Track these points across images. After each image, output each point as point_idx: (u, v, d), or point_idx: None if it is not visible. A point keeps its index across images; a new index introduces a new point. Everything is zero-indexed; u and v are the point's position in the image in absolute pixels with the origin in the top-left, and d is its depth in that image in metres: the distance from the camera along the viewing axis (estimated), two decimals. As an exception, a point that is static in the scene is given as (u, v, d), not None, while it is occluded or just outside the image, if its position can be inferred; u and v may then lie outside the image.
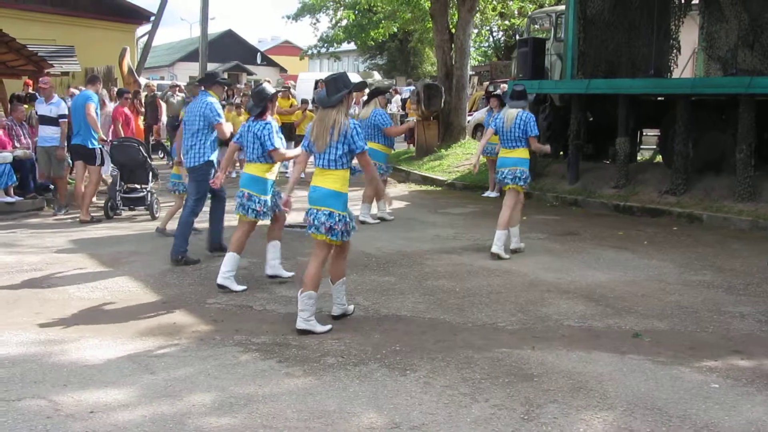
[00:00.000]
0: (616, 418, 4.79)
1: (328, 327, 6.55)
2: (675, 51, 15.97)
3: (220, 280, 7.76)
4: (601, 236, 10.97)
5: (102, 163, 12.31)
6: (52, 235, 10.70)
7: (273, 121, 8.01)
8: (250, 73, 60.65)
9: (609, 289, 8.01)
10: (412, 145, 22.03)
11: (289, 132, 17.41)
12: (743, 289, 8.11)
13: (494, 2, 29.65)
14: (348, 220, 6.51)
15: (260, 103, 7.93)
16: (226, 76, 9.57)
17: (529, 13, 24.97)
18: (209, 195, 9.54)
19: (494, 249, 9.50)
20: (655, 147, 17.41)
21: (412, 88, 25.54)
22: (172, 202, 11.26)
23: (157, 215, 12.38)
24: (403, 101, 26.02)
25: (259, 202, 7.89)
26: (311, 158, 6.76)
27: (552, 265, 9.14)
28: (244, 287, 7.84)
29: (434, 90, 19.53)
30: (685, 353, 6.06)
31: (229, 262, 7.84)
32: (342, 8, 40.32)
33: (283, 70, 64.44)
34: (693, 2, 16.32)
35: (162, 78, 48.96)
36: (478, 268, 8.91)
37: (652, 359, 5.90)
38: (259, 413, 4.80)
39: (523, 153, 9.66)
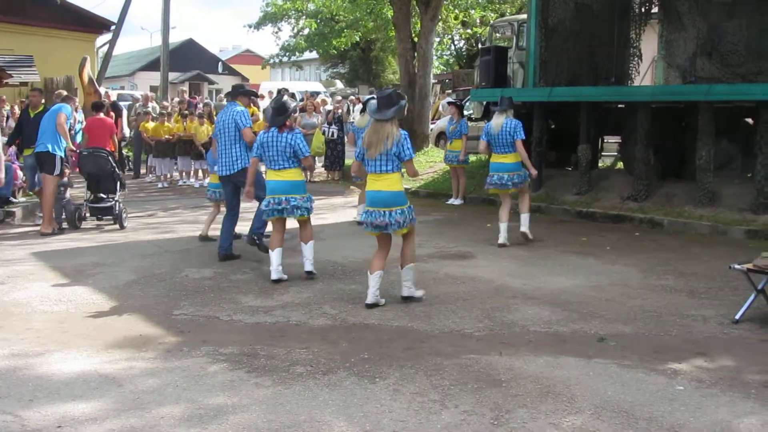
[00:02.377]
0: (584, 422, 4.84)
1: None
2: (635, 59, 16.16)
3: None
4: (565, 242, 11.07)
5: (60, 173, 12.11)
6: (13, 248, 10.58)
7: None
8: (211, 83, 60.37)
9: (574, 295, 8.09)
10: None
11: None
12: (705, 292, 8.22)
13: (456, 11, 29.84)
14: (412, 208, 7.65)
15: (283, 114, 8.52)
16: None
17: (491, 21, 25.20)
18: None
19: (501, 240, 10.66)
20: (616, 154, 17.61)
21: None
22: (139, 212, 11.20)
23: (125, 225, 12.33)
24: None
25: (308, 200, 8.63)
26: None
27: (517, 271, 9.20)
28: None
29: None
30: (649, 356, 6.13)
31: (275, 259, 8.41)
32: (304, 17, 40.25)
33: (244, 79, 63.90)
34: (653, 11, 16.53)
35: (122, 87, 48.63)
36: (444, 275, 8.95)
37: (618, 363, 5.96)
38: (229, 424, 4.78)
39: (517, 157, 10.63)
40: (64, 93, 13.12)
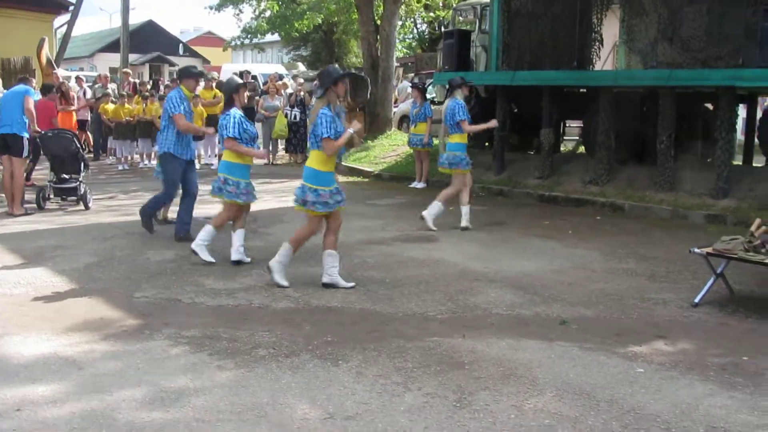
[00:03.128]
0: (545, 404, 4.88)
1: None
2: (597, 44, 16.20)
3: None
4: (527, 226, 11.12)
5: (29, 155, 12.09)
6: (-30, 230, 10.40)
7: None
8: (172, 65, 59.65)
9: (536, 278, 8.13)
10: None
11: (214, 124, 17.23)
12: (665, 276, 8.31)
13: (419, -6, 29.77)
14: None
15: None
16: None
17: (454, 5, 25.12)
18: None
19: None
20: (578, 138, 17.71)
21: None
22: (100, 194, 11.04)
23: (90, 206, 12.35)
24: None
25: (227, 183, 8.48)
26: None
27: (480, 254, 9.23)
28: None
29: (360, 81, 19.49)
30: (611, 339, 6.19)
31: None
32: (265, -1, 39.92)
33: (206, 61, 63.49)
34: (614, -4, 16.59)
35: (81, 69, 47.95)
36: (407, 258, 8.95)
37: (580, 346, 6.01)
38: (191, 407, 4.75)
39: (455, 138, 10.64)
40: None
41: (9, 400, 4.80)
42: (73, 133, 12.83)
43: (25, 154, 11.87)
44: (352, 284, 7.64)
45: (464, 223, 10.68)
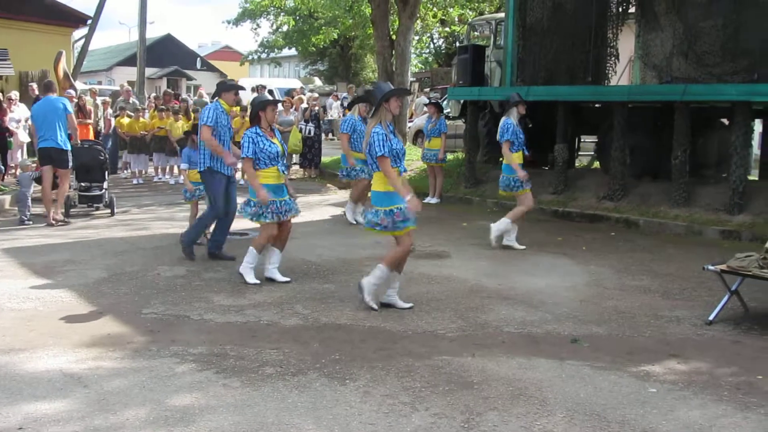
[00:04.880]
0: (555, 425, 4.80)
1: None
2: (612, 59, 16.17)
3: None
4: (540, 242, 11.03)
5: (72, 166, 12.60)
6: (-17, 244, 10.43)
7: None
8: (189, 78, 60.00)
9: (548, 295, 8.05)
10: (353, 151, 21.97)
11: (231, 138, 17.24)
12: (679, 293, 8.22)
13: (435, 9, 29.79)
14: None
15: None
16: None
17: (469, 20, 25.14)
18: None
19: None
20: (592, 153, 17.63)
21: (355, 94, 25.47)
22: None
23: (115, 212, 13.18)
24: (344, 107, 25.96)
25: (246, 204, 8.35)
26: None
27: (492, 271, 9.16)
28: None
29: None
30: (623, 358, 6.10)
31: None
32: (282, 14, 40.09)
33: (223, 75, 63.66)
34: (630, 11, 16.56)
35: (99, 82, 48.24)
36: (418, 275, 8.88)
37: (591, 365, 5.93)
38: (196, 426, 4.70)
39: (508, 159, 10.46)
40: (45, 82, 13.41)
41: (11, 418, 4.76)
42: (102, 145, 13.90)
43: (71, 165, 12.38)
44: (409, 305, 7.45)
45: (505, 241, 10.51)
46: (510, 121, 10.42)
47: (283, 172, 8.42)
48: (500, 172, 10.76)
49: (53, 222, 11.96)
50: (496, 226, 10.48)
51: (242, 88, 10.22)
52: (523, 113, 10.69)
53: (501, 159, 10.78)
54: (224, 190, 9.46)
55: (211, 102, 9.98)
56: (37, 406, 4.96)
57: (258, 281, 8.27)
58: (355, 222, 12.30)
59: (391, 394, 5.27)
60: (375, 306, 7.33)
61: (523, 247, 10.45)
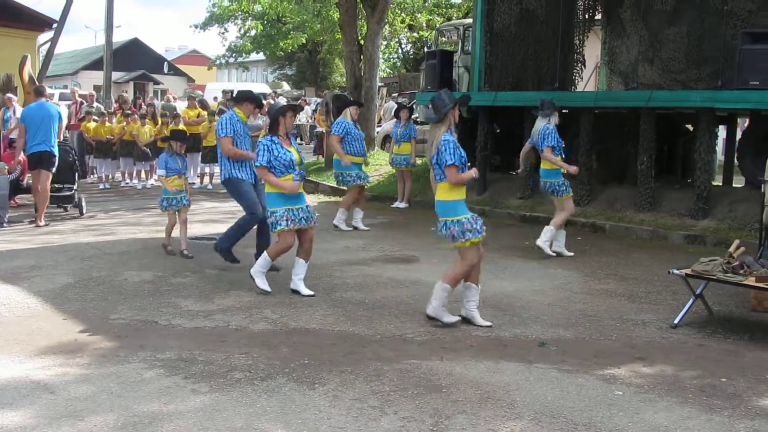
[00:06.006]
0: (523, 428, 4.84)
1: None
2: (579, 65, 16.31)
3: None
4: (508, 246, 11.10)
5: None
6: (-53, 250, 10.30)
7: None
8: (156, 83, 59.62)
9: (516, 299, 8.11)
10: (321, 156, 21.98)
11: (197, 143, 17.19)
12: (645, 297, 8.31)
13: (403, 15, 29.90)
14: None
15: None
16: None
17: (437, 26, 25.25)
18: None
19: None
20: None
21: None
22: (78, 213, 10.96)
23: (85, 212, 13.35)
24: (313, 112, 25.98)
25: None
26: None
27: (460, 275, 9.18)
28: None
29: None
30: (590, 361, 6.16)
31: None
32: (250, 18, 40.01)
33: (190, 79, 63.56)
34: (596, 17, 16.71)
35: (65, 86, 47.85)
36: (387, 279, 8.91)
37: (558, 368, 5.98)
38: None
39: (547, 165, 10.47)
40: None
41: (-22, 425, 4.72)
42: (71, 146, 14.07)
43: (54, 169, 12.54)
44: (488, 323, 7.14)
45: (554, 247, 10.44)
46: (550, 126, 10.38)
47: (299, 180, 8.04)
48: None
49: (40, 224, 12.17)
50: (544, 239, 10.36)
51: (261, 102, 9.96)
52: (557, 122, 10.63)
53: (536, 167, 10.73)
54: (256, 195, 9.14)
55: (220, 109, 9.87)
56: (3, 413, 4.91)
57: (269, 289, 8.08)
58: (348, 228, 12.32)
59: (360, 398, 5.28)
60: (454, 319, 7.10)
61: (572, 253, 10.53)
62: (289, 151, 8.01)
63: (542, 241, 10.35)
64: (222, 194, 15.97)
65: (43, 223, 12.25)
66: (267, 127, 8.27)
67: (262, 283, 8.15)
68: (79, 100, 21.05)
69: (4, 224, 12.09)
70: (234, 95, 9.69)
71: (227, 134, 9.01)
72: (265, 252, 8.31)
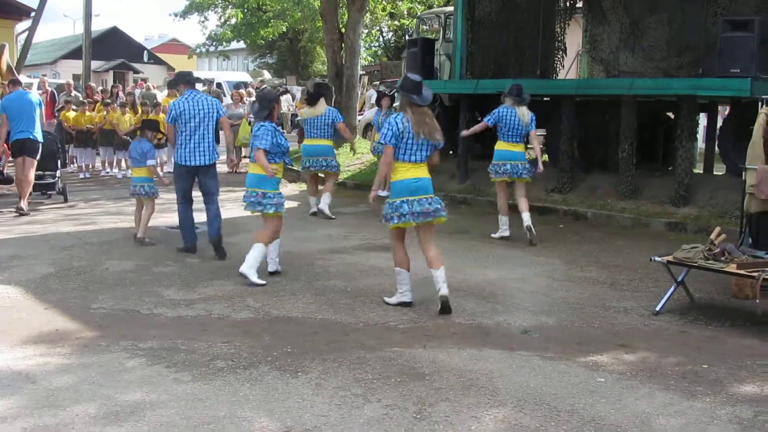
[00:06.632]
0: (506, 415, 4.85)
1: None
2: (560, 53, 16.31)
3: None
4: (490, 234, 11.10)
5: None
6: (-75, 240, 10.20)
7: None
8: (136, 72, 59.17)
9: (498, 287, 8.12)
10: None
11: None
12: (627, 284, 8.34)
13: (384, 2, 29.80)
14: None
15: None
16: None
17: (419, 13, 25.19)
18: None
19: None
20: (541, 146, 17.75)
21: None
22: (59, 203, 10.89)
23: (68, 198, 13.57)
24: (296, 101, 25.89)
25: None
26: None
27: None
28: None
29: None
30: (572, 348, 6.18)
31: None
32: (231, 6, 39.77)
33: (170, 68, 62.93)
34: (577, 5, 16.72)
35: (44, 75, 47.49)
36: (369, 267, 8.90)
37: (541, 355, 6.00)
38: (146, 421, 4.66)
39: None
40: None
41: (-42, 416, 4.68)
42: (54, 135, 14.39)
43: (39, 156, 12.64)
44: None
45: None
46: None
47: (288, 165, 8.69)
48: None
49: (23, 209, 12.23)
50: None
51: (193, 83, 9.96)
52: None
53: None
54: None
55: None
56: (-16, 403, 4.88)
57: (264, 282, 8.02)
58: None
59: (343, 386, 5.28)
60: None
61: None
62: (287, 140, 8.43)
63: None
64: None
65: (26, 206, 12.29)
66: (258, 113, 8.44)
67: (256, 279, 8.05)
68: (50, 89, 20.90)
69: None
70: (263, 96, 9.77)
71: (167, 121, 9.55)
72: (258, 244, 8.18)
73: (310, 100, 12.71)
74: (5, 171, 13.53)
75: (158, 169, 10.67)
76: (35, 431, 4.51)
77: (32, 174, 12.58)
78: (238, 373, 5.48)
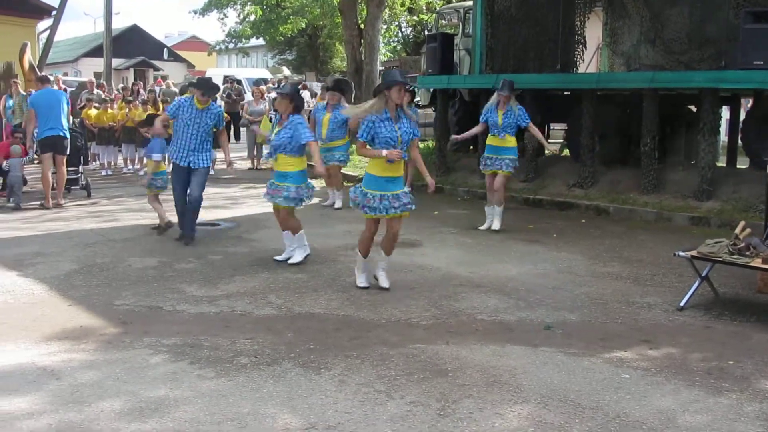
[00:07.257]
0: (530, 411, 4.83)
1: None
2: (580, 46, 16.23)
3: None
4: (512, 229, 11.06)
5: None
6: (-51, 238, 10.28)
7: None
8: (156, 69, 59.50)
9: (520, 282, 8.09)
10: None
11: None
12: (650, 279, 8.29)
13: (403, -3, 29.76)
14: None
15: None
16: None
17: (438, 8, 25.14)
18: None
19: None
20: (562, 141, 17.71)
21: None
22: (82, 200, 10.92)
23: (91, 193, 14.09)
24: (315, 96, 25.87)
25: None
26: None
27: (464, 259, 9.18)
28: None
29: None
30: (596, 344, 6.15)
31: None
32: (250, 3, 39.80)
33: (190, 65, 63.43)
34: (597, -1, 16.63)
35: (65, 74, 47.75)
36: (391, 263, 8.87)
37: (564, 351, 5.97)
38: (171, 417, 4.68)
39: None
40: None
41: (-16, 413, 4.71)
42: (79, 131, 14.98)
43: (68, 152, 13.04)
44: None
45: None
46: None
47: None
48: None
49: (50, 206, 12.58)
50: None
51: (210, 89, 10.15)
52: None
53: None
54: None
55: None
56: (10, 399, 4.91)
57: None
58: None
59: (367, 382, 5.27)
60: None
61: None
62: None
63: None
64: (224, 180, 15.98)
65: (63, 201, 12.87)
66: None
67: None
68: (63, 86, 21.01)
69: (20, 207, 12.54)
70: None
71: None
72: (288, 232, 8.85)
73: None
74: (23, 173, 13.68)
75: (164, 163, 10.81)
76: (61, 427, 4.53)
77: (64, 169, 12.97)
78: (261, 370, 5.49)
